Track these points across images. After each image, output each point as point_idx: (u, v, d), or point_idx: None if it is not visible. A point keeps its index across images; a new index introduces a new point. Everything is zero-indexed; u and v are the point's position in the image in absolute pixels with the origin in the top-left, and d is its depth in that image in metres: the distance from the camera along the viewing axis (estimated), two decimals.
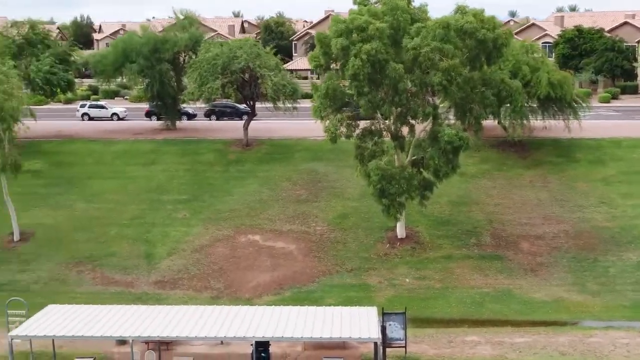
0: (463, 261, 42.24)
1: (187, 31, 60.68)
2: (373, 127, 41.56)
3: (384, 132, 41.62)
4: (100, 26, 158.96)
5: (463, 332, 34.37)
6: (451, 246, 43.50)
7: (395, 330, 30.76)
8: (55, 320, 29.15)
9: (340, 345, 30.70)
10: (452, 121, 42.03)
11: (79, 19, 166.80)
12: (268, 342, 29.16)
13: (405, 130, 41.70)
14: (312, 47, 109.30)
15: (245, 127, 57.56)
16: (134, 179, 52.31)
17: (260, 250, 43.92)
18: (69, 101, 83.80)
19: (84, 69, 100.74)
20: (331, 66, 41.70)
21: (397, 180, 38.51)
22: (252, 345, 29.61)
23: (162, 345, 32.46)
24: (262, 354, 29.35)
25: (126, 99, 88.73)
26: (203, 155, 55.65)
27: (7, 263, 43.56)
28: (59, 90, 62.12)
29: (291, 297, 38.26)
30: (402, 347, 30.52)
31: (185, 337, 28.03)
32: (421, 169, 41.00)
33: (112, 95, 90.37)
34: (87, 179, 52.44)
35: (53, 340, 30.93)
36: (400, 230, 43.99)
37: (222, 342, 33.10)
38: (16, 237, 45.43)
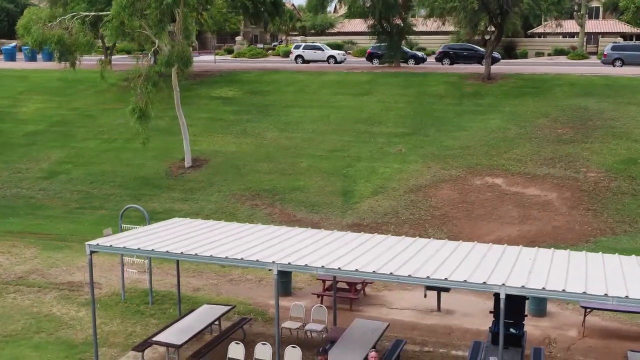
0: None
1: None
2: None
3: None
4: None
5: None
6: None
7: None
8: (165, 235, 17.78)
9: None
10: None
11: None
12: (524, 301, 15.63)
13: None
14: None
15: (488, 54, 43.99)
16: (340, 109, 40.80)
17: (503, 197, 30.17)
18: (287, 54, 75.17)
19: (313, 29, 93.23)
20: None
21: None
22: (491, 312, 16.39)
23: (342, 300, 20.21)
24: (512, 329, 15.85)
25: (349, 53, 78.47)
26: (431, 87, 42.90)
27: (170, 191, 33.90)
28: (265, 14, 52.26)
29: None
30: None
31: (373, 272, 15.02)
32: None
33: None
34: (283, 107, 41.89)
35: (178, 275, 19.92)
36: None
37: (439, 309, 20.15)
38: (187, 162, 35.80)
